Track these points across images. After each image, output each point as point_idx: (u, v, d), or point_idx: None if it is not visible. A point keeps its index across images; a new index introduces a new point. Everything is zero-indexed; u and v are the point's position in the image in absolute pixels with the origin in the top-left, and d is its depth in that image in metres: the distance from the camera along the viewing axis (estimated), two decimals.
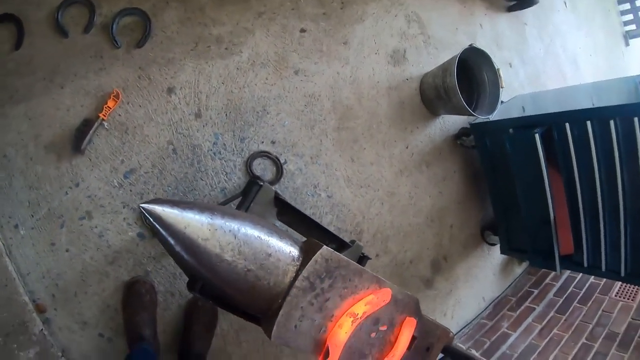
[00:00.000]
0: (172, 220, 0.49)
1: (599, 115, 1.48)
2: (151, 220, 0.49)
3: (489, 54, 1.79)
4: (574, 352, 1.85)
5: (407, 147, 1.85)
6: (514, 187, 1.79)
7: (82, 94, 1.33)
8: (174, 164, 1.41)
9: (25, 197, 1.25)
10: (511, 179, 1.77)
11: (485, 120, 1.78)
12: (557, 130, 1.57)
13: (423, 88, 1.87)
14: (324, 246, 0.57)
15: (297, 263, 0.57)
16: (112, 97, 1.34)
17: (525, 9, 2.50)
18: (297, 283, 0.55)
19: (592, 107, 1.68)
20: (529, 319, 2.08)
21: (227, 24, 1.50)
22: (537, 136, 1.57)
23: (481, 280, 2.17)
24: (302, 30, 1.62)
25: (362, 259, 1.07)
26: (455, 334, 2.09)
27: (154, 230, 0.52)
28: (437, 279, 1.98)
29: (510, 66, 2.38)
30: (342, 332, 0.62)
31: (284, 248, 0.57)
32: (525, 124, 1.65)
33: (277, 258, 0.55)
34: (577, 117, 1.52)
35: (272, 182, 1.51)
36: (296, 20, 1.61)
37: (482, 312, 2.20)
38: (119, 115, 1.36)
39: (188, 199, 0.70)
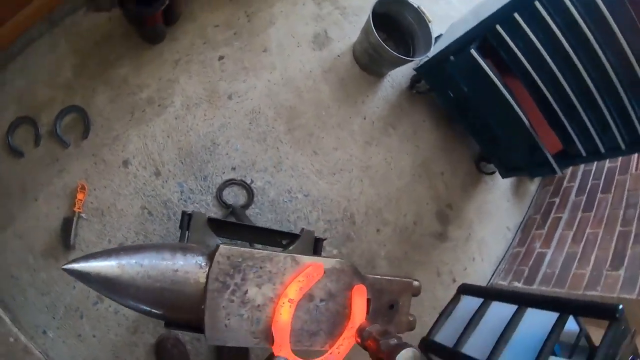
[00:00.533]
0: (86, 271, 0.60)
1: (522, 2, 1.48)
2: (74, 277, 0.60)
3: None
4: (613, 245, 1.83)
5: (364, 119, 1.95)
6: (482, 111, 1.81)
7: (53, 198, 1.56)
8: (154, 224, 1.57)
9: (42, 304, 1.46)
10: (475, 104, 1.80)
11: (425, 59, 1.82)
12: (492, 37, 1.61)
13: (356, 57, 1.98)
14: (221, 245, 0.66)
15: (206, 269, 0.66)
16: (79, 190, 1.55)
17: None
18: (209, 286, 0.64)
19: None
20: (559, 230, 2.12)
21: (151, 84, 1.70)
22: (473, 52, 1.64)
23: (496, 212, 2.22)
24: (220, 58, 1.78)
25: (317, 242, 1.15)
26: (493, 273, 2.11)
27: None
28: (450, 229, 2.05)
29: None
30: (282, 317, 0.70)
31: (190, 260, 0.66)
32: (461, 46, 1.73)
33: (185, 270, 0.64)
34: (504, 14, 1.53)
35: (247, 203, 1.65)
36: (211, 51, 1.77)
37: (512, 241, 2.25)
38: (91, 202, 1.56)
39: (111, 248, 0.81)
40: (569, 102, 1.60)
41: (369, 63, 1.91)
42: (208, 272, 0.65)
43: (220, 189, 1.65)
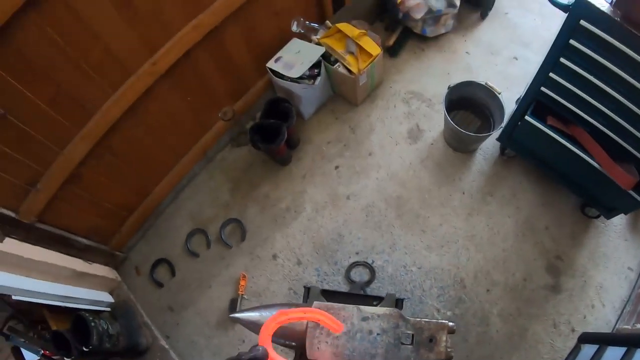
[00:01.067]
0: (241, 317, 1.16)
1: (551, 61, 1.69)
2: (234, 321, 1.15)
3: (470, 79, 2.25)
4: None
5: (463, 193, 2.33)
6: (561, 164, 2.08)
7: (223, 285, 2.31)
8: (298, 300, 2.18)
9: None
10: (554, 159, 2.09)
11: (500, 130, 2.19)
12: (543, 98, 1.86)
13: (447, 141, 2.44)
14: (315, 302, 1.20)
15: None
16: (241, 278, 2.26)
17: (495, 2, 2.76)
18: (309, 325, 1.14)
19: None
20: None
21: (287, 196, 2.40)
22: (528, 118, 1.94)
23: (613, 254, 2.35)
24: (336, 167, 2.39)
25: (398, 301, 1.54)
26: (618, 318, 2.19)
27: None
28: (562, 280, 2.26)
29: (516, 59, 2.66)
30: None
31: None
32: (522, 113, 2.01)
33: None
34: (543, 75, 1.74)
35: (370, 280, 2.16)
36: (328, 163, 2.41)
37: (637, 281, 2.28)
38: (251, 287, 2.29)
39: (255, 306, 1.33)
40: (629, 134, 1.71)
41: (458, 144, 2.34)
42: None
43: (347, 270, 2.24)
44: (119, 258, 2.35)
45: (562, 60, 1.69)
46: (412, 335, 1.16)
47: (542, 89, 1.84)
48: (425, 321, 1.19)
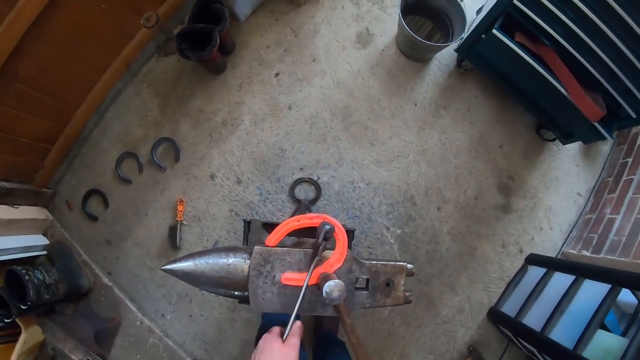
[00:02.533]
0: (174, 269, 1.04)
1: None
2: (168, 274, 1.04)
3: None
4: None
5: (415, 105, 2.24)
6: (523, 84, 2.03)
7: (160, 212, 2.12)
8: (241, 223, 2.03)
9: (160, 294, 2.07)
10: (516, 77, 2.03)
11: (460, 40, 2.06)
12: (514, 12, 1.78)
13: (400, 48, 2.27)
14: (256, 246, 1.04)
15: (248, 262, 1.05)
16: (179, 203, 2.05)
17: None
18: (250, 273, 1.03)
19: None
20: (629, 193, 2.17)
21: (222, 108, 2.17)
22: (495, 32, 1.84)
23: (564, 178, 2.38)
24: (277, 75, 2.19)
25: (348, 233, 1.42)
26: (564, 242, 2.29)
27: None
28: (513, 200, 2.27)
29: None
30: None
31: (238, 257, 1.05)
32: (488, 25, 1.92)
33: (235, 264, 1.04)
34: None
35: (316, 197, 2.06)
36: (267, 70, 2.21)
37: (584, 207, 2.37)
38: (189, 211, 2.07)
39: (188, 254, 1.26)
40: (603, 63, 1.72)
41: (412, 52, 2.20)
42: (249, 265, 1.04)
43: (291, 187, 2.09)
44: (47, 195, 2.13)
45: None
46: (367, 280, 1.09)
47: (515, 1, 1.72)
48: (381, 264, 1.11)
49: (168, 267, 1.05)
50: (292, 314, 0.94)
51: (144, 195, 2.13)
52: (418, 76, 2.29)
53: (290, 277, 1.01)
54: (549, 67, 1.87)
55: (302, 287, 1.00)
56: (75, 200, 2.15)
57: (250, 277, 1.03)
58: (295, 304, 1.01)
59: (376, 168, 2.17)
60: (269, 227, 1.43)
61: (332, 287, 0.92)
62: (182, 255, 1.04)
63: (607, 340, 1.52)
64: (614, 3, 1.54)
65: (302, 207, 2.04)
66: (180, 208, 2.08)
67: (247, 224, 1.43)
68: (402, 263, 1.14)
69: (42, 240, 2.04)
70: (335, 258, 1.05)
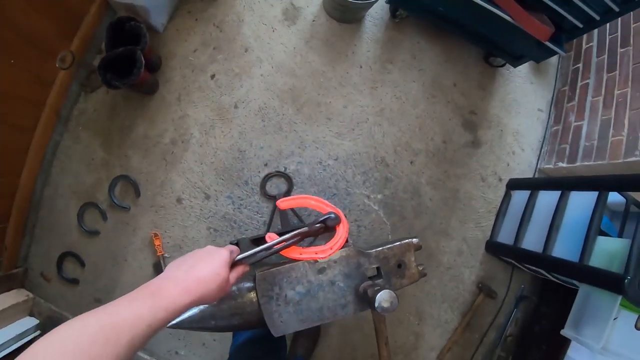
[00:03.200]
0: (181, 321, 0.99)
1: None
2: (176, 327, 0.98)
3: None
4: None
5: (361, 67, 2.19)
6: (466, 19, 1.98)
7: (139, 253, 2.05)
8: (222, 237, 2.00)
9: (166, 333, 2.04)
10: (456, 15, 1.97)
11: None
12: None
13: (329, 14, 2.20)
14: (257, 273, 1.00)
15: (255, 291, 1.00)
16: (154, 238, 1.98)
17: None
18: (260, 301, 0.99)
19: None
20: (589, 98, 2.19)
21: (167, 128, 2.08)
22: None
23: (523, 98, 2.40)
24: (212, 76, 2.09)
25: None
26: (537, 159, 2.32)
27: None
28: (480, 133, 2.28)
29: None
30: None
31: (242, 288, 1.02)
32: None
33: (242, 297, 1.00)
34: None
35: (289, 189, 2.02)
36: (202, 75, 2.09)
37: (548, 121, 2.41)
38: (168, 242, 2.02)
39: None
40: None
41: (343, 15, 2.11)
42: (256, 292, 1.00)
43: (262, 186, 2.02)
44: (18, 275, 1.99)
45: None
46: (378, 268, 1.07)
47: None
48: (387, 248, 1.08)
49: (174, 322, 0.98)
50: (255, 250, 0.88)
51: (116, 241, 2.03)
52: (355, 37, 2.21)
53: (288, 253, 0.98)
54: None
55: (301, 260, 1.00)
56: (50, 270, 2.03)
57: (262, 305, 0.99)
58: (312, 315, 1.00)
59: (340, 141, 2.11)
60: (259, 241, 1.38)
61: (385, 297, 0.89)
62: None
63: (609, 245, 1.55)
64: None
65: (241, 241, 1.98)
66: (157, 242, 1.99)
67: (236, 244, 1.38)
68: (407, 240, 1.12)
69: (31, 322, 1.94)
70: (335, 241, 1.02)
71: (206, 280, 0.72)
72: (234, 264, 0.83)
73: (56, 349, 0.51)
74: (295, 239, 0.94)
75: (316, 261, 1.01)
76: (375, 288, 0.94)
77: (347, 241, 1.05)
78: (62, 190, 2.05)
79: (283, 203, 1.06)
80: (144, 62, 1.78)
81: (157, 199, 2.03)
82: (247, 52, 2.12)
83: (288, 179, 2.04)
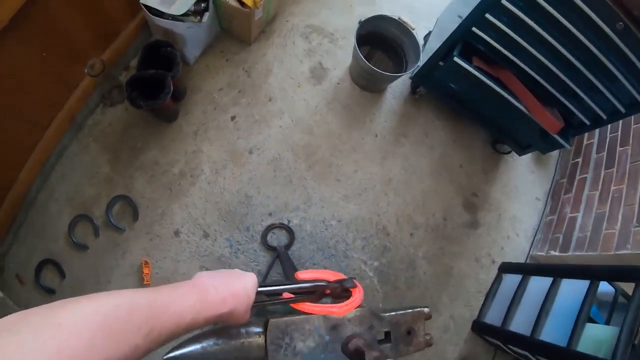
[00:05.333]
0: (180, 356, 0.95)
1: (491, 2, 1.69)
2: None
3: (374, 12, 2.12)
4: (637, 199, 2.01)
5: (376, 136, 2.26)
6: (482, 105, 2.10)
7: (124, 277, 1.98)
8: None
9: None
10: (474, 100, 2.09)
11: (417, 68, 2.10)
12: (472, 39, 1.85)
13: (354, 80, 2.28)
14: (270, 320, 0.98)
15: (263, 336, 0.99)
16: (143, 265, 1.93)
17: None
18: (268, 348, 0.97)
19: None
20: (586, 191, 2.33)
21: (179, 159, 2.06)
22: (456, 59, 1.91)
23: (523, 186, 2.50)
24: (233, 118, 2.13)
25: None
26: (530, 246, 2.43)
27: None
28: (480, 215, 2.36)
29: None
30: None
31: (251, 332, 0.99)
32: (446, 52, 1.99)
33: (249, 341, 0.96)
34: (477, 16, 1.75)
35: (290, 242, 2.02)
36: (223, 114, 2.12)
37: (544, 210, 2.52)
38: (157, 273, 1.97)
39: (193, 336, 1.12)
40: (557, 79, 1.82)
41: (367, 84, 2.22)
42: (265, 338, 0.99)
43: (263, 236, 2.01)
44: None
45: (502, 1, 1.64)
46: (387, 332, 1.08)
47: (474, 29, 1.78)
48: (401, 314, 1.10)
49: (172, 354, 0.96)
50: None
51: (103, 260, 1.95)
52: (375, 107, 2.31)
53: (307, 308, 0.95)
54: (506, 87, 1.96)
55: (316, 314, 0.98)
56: (27, 273, 1.92)
57: (269, 352, 0.97)
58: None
59: (345, 204, 2.15)
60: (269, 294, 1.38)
61: None
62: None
63: (597, 332, 1.61)
64: (564, 20, 1.62)
65: (282, 254, 1.97)
66: (146, 271, 1.93)
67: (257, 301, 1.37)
68: (419, 309, 1.13)
69: None
70: (352, 300, 1.01)
71: (239, 295, 0.72)
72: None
73: (91, 323, 0.48)
74: (316, 291, 0.96)
75: (328, 317, 1.03)
76: (375, 354, 0.94)
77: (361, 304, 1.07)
78: (58, 196, 1.99)
79: (302, 275, 1.08)
80: (172, 88, 1.83)
81: (154, 227, 1.99)
82: (270, 101, 2.19)
83: (291, 232, 2.04)
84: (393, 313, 1.10)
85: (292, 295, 0.94)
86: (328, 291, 1.00)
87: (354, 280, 1.04)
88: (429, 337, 1.14)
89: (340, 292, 1.04)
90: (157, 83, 1.83)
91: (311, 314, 1.01)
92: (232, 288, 0.72)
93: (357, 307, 1.05)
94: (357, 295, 1.06)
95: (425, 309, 1.14)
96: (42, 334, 0.43)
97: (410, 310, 1.12)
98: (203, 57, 2.18)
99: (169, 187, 2.03)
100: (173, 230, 2.00)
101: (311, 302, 0.97)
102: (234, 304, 0.71)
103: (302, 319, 1.03)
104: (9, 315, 0.44)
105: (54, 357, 0.42)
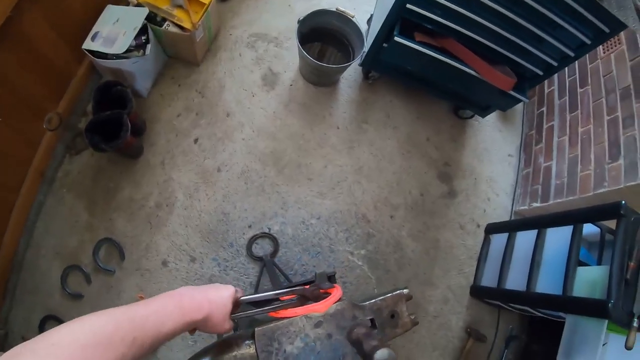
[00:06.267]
0: None
1: None
2: None
3: (313, 7, 2.15)
4: (606, 137, 2.05)
5: (338, 128, 2.31)
6: (434, 77, 2.14)
7: None
8: None
9: None
10: (425, 73, 2.14)
11: (364, 54, 2.14)
12: (410, 16, 1.87)
13: (306, 78, 2.32)
14: (256, 329, 1.00)
15: (253, 346, 1.03)
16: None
17: None
18: (260, 356, 0.98)
19: None
20: (555, 138, 2.37)
21: (152, 191, 2.12)
22: (397, 38, 1.94)
23: (493, 146, 2.55)
24: (196, 140, 2.18)
25: (330, 278, 1.49)
26: (512, 202, 2.48)
27: None
28: (455, 183, 2.40)
29: None
30: None
31: (242, 345, 1.03)
32: (386, 34, 2.01)
33: (242, 353, 0.99)
34: None
35: (275, 249, 2.08)
36: (185, 139, 2.17)
37: (519, 165, 2.56)
38: None
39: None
40: (501, 37, 1.85)
41: (319, 79, 2.25)
42: (255, 348, 1.03)
43: (248, 248, 2.06)
44: None
45: None
46: (372, 319, 1.11)
47: (408, 5, 1.80)
48: (380, 300, 1.14)
49: None
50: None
51: (100, 305, 2.01)
52: (332, 100, 2.34)
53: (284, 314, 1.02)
54: (453, 55, 1.99)
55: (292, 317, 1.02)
56: (31, 334, 2.01)
57: (260, 357, 1.00)
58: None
59: (321, 200, 2.20)
60: (255, 304, 1.44)
61: (385, 356, 0.90)
62: (160, 356, 1.00)
63: (589, 274, 1.65)
64: None
65: (268, 263, 2.03)
66: None
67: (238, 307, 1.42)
68: (398, 291, 1.16)
69: None
70: (332, 295, 1.06)
71: (215, 302, 0.81)
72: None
73: (81, 339, 0.57)
74: (295, 296, 1.02)
75: (310, 315, 1.08)
76: (372, 343, 1.00)
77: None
78: (45, 252, 2.04)
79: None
80: (129, 126, 1.87)
81: (142, 262, 2.04)
82: (228, 116, 2.22)
83: (274, 239, 2.09)
84: (373, 300, 1.13)
85: (286, 297, 1.01)
86: (307, 297, 1.07)
87: (333, 282, 1.10)
88: (413, 317, 1.18)
89: (319, 294, 1.10)
90: (115, 123, 1.87)
91: (294, 316, 1.07)
92: (209, 296, 0.81)
93: (336, 302, 1.11)
94: (337, 291, 1.11)
95: (405, 290, 1.17)
96: (39, 353, 0.52)
97: (389, 295, 1.15)
98: (155, 87, 2.21)
99: (149, 221, 2.08)
100: (161, 261, 2.05)
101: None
102: (210, 310, 0.79)
103: (286, 322, 1.07)
104: (12, 348, 0.52)
105: None
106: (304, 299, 1.08)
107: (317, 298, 1.09)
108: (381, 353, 0.94)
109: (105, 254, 2.05)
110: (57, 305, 2.01)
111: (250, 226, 2.11)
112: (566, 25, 1.82)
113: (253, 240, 2.09)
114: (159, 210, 2.09)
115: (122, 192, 2.10)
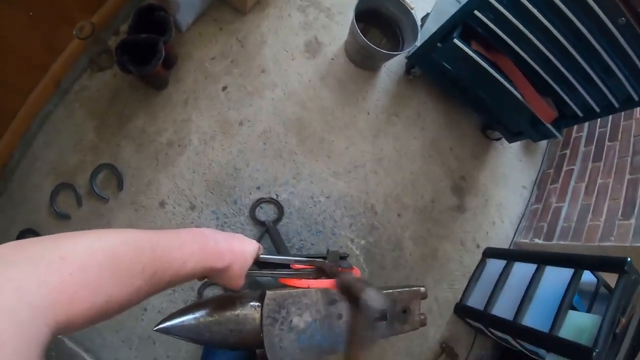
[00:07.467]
0: (171, 327, 0.93)
1: None
2: (163, 333, 0.95)
3: None
4: (623, 194, 2.05)
5: (368, 114, 2.25)
6: (476, 89, 2.11)
7: None
8: None
9: (118, 340, 1.86)
10: (469, 83, 2.09)
11: (414, 48, 2.09)
12: (473, 22, 1.84)
13: (349, 56, 2.25)
14: (267, 292, 0.94)
15: (259, 310, 0.97)
16: None
17: None
18: (263, 322, 0.93)
19: None
20: (572, 183, 2.37)
21: (167, 128, 2.01)
22: (456, 41, 1.89)
23: (510, 173, 2.52)
24: (224, 88, 2.08)
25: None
26: (515, 233, 2.47)
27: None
28: (467, 199, 2.37)
29: None
30: None
31: (246, 305, 0.99)
32: (445, 34, 1.97)
33: (244, 314, 0.93)
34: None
35: (279, 217, 2.00)
36: (214, 84, 2.07)
37: (530, 199, 2.56)
38: None
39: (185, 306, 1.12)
40: (555, 69, 1.83)
41: (362, 60, 2.19)
42: (261, 312, 0.97)
43: (252, 210, 1.98)
44: None
45: None
46: (385, 311, 1.10)
47: (476, 12, 1.76)
48: (397, 292, 1.09)
49: (164, 325, 0.91)
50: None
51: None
52: (369, 85, 2.28)
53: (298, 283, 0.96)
54: (503, 73, 1.96)
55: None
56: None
57: (264, 325, 0.93)
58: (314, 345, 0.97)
59: (335, 180, 2.13)
60: (260, 264, 1.38)
61: (374, 296, 0.84)
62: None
63: (579, 319, 1.65)
64: (566, 10, 1.63)
65: (271, 229, 1.93)
66: None
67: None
68: (416, 288, 1.12)
69: None
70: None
71: (237, 254, 0.72)
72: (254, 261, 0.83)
73: (99, 258, 0.45)
74: (312, 267, 0.96)
75: (328, 291, 1.02)
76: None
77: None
78: (40, 165, 1.91)
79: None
80: (163, 54, 1.77)
81: (140, 198, 1.94)
82: (263, 73, 2.13)
83: (280, 207, 2.01)
84: (390, 290, 1.08)
85: (299, 266, 0.94)
86: (325, 272, 1.00)
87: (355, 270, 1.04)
88: (423, 317, 1.12)
89: (337, 272, 1.03)
90: (148, 48, 1.76)
91: (307, 288, 1.00)
92: (232, 246, 0.72)
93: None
94: (357, 272, 1.06)
95: (422, 288, 1.12)
96: (42, 266, 0.40)
97: (407, 289, 1.10)
98: (196, 25, 2.11)
99: (156, 157, 1.98)
100: (159, 201, 1.96)
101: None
102: (231, 261, 0.70)
103: (300, 292, 1.00)
104: (3, 245, 0.40)
105: (54, 292, 0.39)
106: (320, 272, 1.02)
107: (334, 275, 1.03)
108: (371, 292, 0.88)
109: (103, 180, 1.94)
110: (41, 221, 1.89)
111: (258, 188, 2.03)
112: (620, 76, 1.80)
113: (259, 203, 2.01)
114: (170, 148, 2.00)
115: (135, 121, 2.00)
